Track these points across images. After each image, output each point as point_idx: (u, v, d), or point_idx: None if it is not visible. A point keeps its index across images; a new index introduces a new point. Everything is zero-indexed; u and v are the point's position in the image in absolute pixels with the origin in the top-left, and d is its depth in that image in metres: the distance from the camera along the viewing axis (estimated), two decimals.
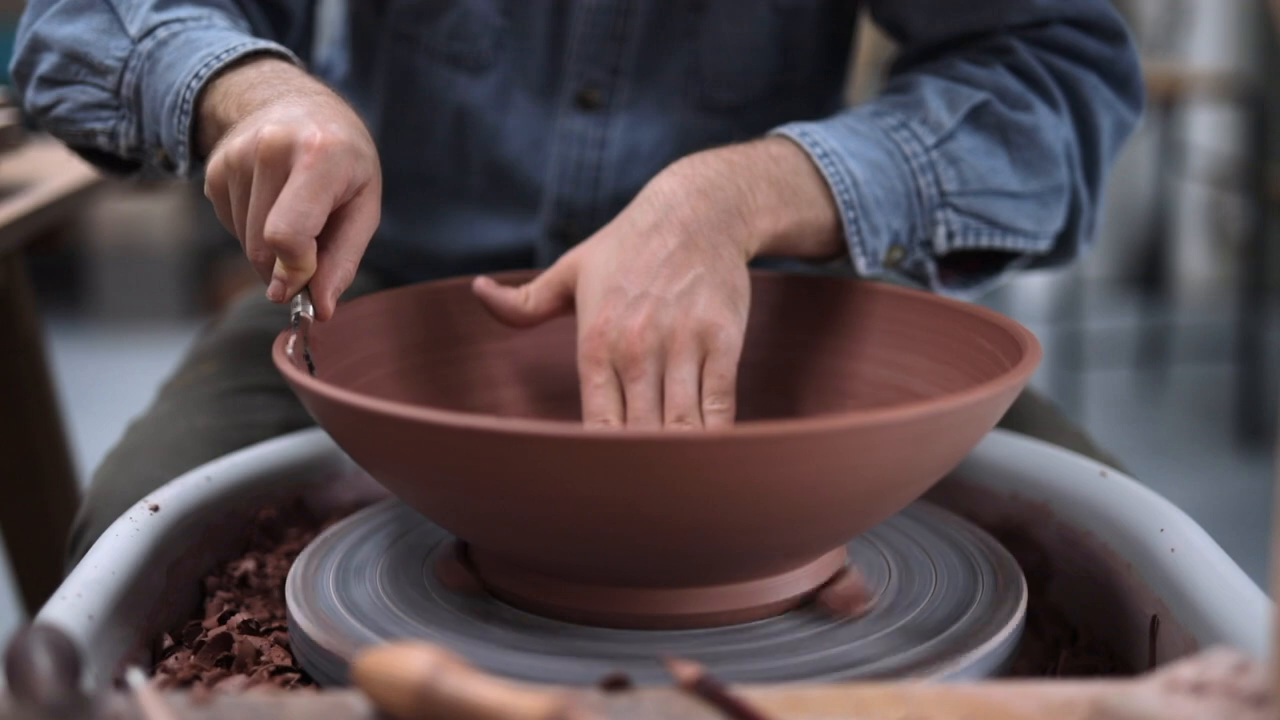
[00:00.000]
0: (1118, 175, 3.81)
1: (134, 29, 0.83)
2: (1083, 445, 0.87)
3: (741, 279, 0.76)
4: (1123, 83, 0.88)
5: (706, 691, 0.52)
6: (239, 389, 0.93)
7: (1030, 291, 3.60)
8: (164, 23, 0.83)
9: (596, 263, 0.77)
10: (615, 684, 0.53)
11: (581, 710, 0.48)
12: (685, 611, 0.64)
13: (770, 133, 0.83)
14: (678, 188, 0.77)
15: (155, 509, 0.73)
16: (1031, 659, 0.68)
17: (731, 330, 0.75)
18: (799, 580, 0.66)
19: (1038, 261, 0.91)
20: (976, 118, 0.84)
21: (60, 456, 1.41)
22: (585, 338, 0.76)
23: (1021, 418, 0.87)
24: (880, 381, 0.79)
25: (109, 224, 3.57)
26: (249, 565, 0.75)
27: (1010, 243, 0.85)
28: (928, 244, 0.84)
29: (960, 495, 0.82)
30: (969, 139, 0.84)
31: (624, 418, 0.74)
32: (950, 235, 0.84)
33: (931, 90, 0.85)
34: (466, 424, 0.56)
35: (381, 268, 1.05)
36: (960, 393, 0.60)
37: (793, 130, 0.82)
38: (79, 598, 0.64)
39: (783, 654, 0.62)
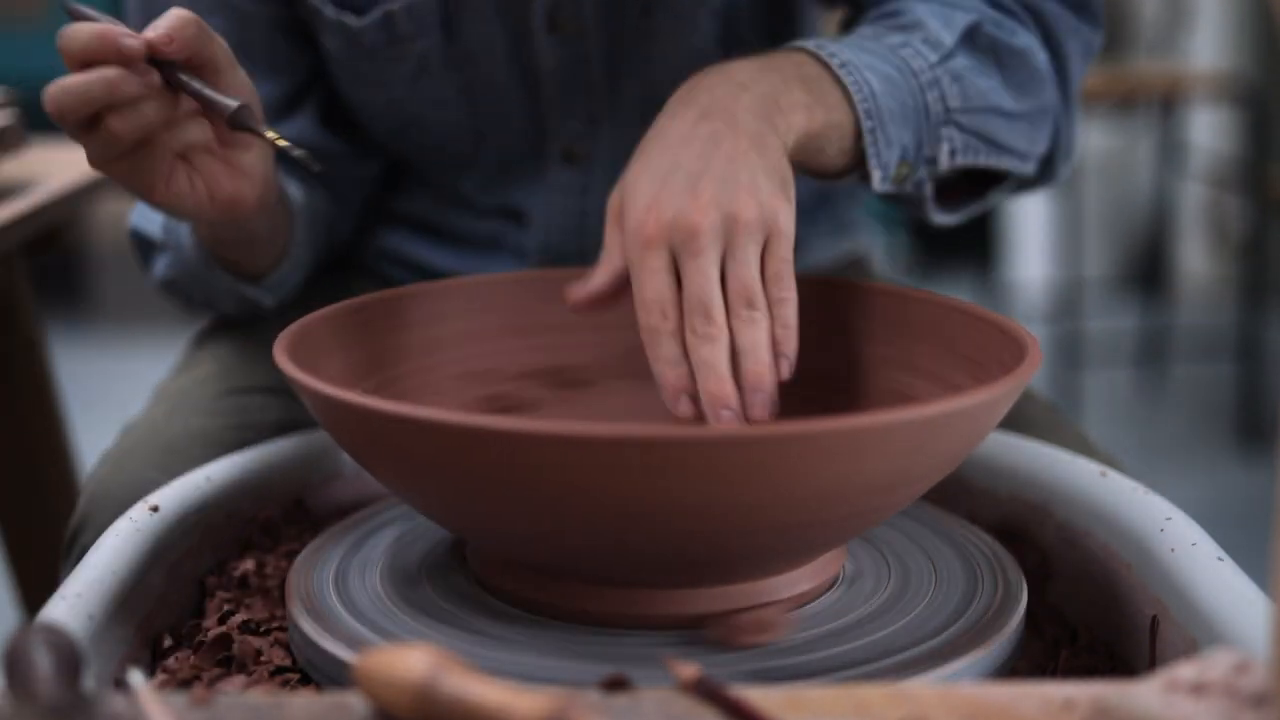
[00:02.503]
0: (1117, 175, 3.83)
1: None
2: (1083, 445, 0.86)
3: (786, 168, 0.74)
4: (1081, 7, 0.91)
5: (706, 691, 0.52)
6: (235, 389, 0.92)
7: (1030, 291, 3.60)
8: None
9: (647, 165, 0.73)
10: (615, 684, 0.53)
11: (581, 710, 0.48)
12: (685, 611, 0.63)
13: (786, 45, 0.82)
14: (716, 84, 0.75)
15: (155, 509, 0.73)
16: (1031, 659, 0.68)
17: (790, 215, 0.72)
18: (798, 580, 0.66)
19: (1021, 185, 0.93)
20: (971, 38, 0.85)
21: (60, 456, 1.40)
22: (637, 218, 0.70)
23: (1021, 418, 0.87)
24: (879, 382, 0.79)
25: (109, 224, 3.56)
26: (249, 565, 0.75)
27: (1005, 163, 0.87)
28: (932, 161, 0.84)
29: (960, 495, 0.82)
30: (966, 58, 0.85)
31: (680, 305, 0.69)
32: (953, 152, 0.84)
33: (925, 11, 0.86)
34: (467, 423, 0.56)
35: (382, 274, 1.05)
36: (961, 394, 0.60)
37: (809, 43, 0.81)
38: (79, 598, 0.64)
39: (783, 654, 0.62)
